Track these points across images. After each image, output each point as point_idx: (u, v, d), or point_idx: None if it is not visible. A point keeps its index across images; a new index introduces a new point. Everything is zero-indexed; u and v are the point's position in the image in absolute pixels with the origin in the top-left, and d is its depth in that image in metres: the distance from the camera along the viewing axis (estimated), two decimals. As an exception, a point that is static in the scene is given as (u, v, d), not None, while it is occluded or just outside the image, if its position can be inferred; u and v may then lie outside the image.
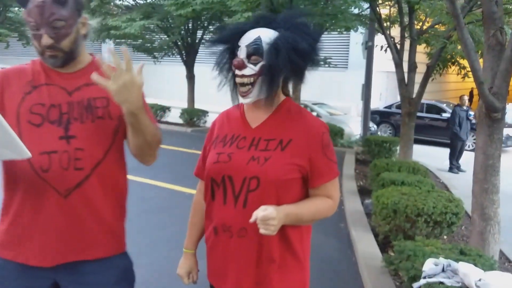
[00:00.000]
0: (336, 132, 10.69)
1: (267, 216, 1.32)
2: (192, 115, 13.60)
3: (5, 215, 1.51)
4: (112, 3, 13.59)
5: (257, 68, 1.44)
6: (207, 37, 14.52)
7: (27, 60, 1.61)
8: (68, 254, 1.48)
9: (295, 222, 1.46)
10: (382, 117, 14.49)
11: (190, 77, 14.50)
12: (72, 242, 1.48)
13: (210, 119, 13.88)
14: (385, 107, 14.93)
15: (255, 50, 1.44)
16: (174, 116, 14.12)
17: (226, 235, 1.50)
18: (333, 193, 1.55)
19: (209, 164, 1.55)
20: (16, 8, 18.85)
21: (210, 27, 14.03)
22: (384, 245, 4.40)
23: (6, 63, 24.08)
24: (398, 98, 8.90)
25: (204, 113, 13.67)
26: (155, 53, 14.75)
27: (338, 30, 9.87)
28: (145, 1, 13.90)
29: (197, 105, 14.63)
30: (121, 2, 14.06)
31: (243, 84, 1.47)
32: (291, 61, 1.43)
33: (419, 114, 12.21)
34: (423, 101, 13.58)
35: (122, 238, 1.64)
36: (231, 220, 1.48)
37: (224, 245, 1.51)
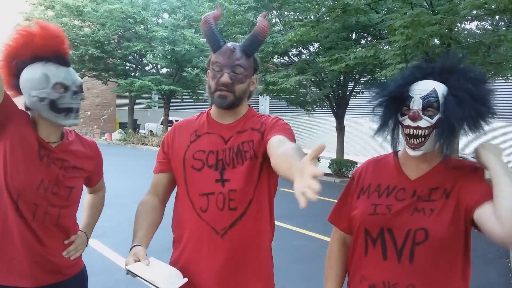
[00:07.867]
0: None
1: None
2: (341, 166, 13.64)
3: (175, 249, 1.72)
4: (270, 62, 14.73)
5: (433, 120, 1.40)
6: (357, 89, 14.66)
7: (196, 113, 1.87)
8: None
9: None
10: None
11: (340, 128, 14.69)
12: (229, 279, 1.59)
13: (359, 170, 13.67)
14: None
15: (431, 103, 1.41)
16: (323, 166, 14.32)
17: None
18: None
19: (363, 215, 1.50)
20: (189, 69, 21.70)
21: (361, 79, 14.19)
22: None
23: (179, 116, 27.44)
24: None
25: (353, 163, 13.59)
26: (307, 106, 15.42)
27: (501, 77, 9.10)
28: (300, 58, 14.78)
29: (346, 156, 14.67)
30: (278, 60, 15.19)
31: (416, 136, 1.42)
32: (475, 112, 1.37)
33: None
34: None
35: (272, 275, 1.72)
36: (396, 277, 1.40)
37: None
